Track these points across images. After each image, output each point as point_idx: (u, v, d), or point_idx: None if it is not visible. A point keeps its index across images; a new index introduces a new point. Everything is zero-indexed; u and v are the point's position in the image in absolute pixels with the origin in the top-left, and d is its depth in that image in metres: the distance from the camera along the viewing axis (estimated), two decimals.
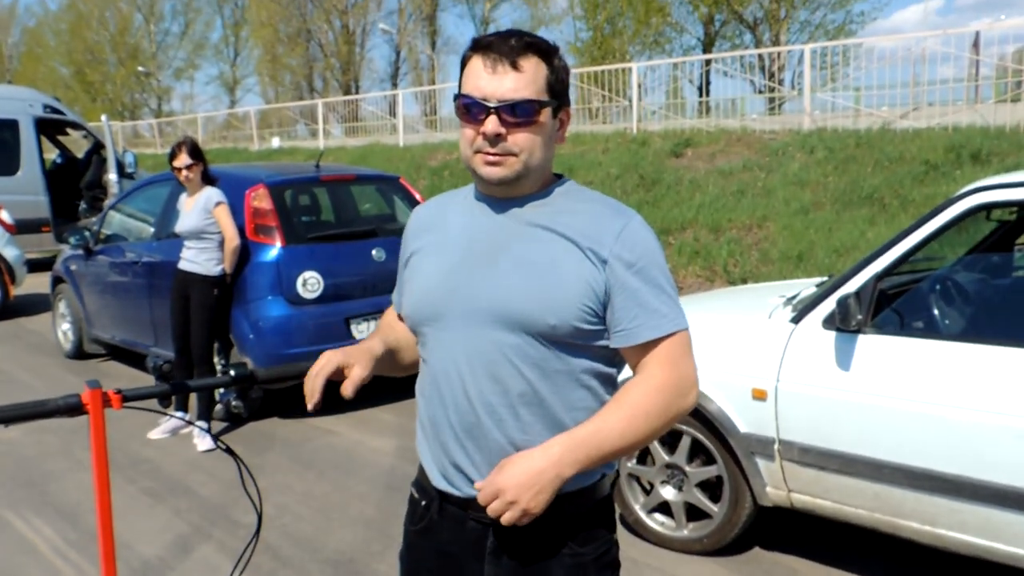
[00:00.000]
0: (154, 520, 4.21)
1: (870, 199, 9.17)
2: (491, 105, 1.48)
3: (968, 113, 11.25)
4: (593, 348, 1.54)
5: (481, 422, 1.53)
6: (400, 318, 1.77)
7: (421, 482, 1.68)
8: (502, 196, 1.58)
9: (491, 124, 1.48)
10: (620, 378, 1.64)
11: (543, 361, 1.52)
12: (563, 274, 1.50)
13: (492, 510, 1.44)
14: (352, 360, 1.60)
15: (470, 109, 1.50)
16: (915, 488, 3.01)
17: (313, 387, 1.58)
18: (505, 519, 1.43)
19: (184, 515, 4.26)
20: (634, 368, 1.57)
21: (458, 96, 1.53)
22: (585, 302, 1.50)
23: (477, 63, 1.51)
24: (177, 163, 5.30)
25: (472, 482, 1.55)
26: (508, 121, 1.48)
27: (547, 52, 1.53)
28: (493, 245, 1.56)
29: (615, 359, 1.60)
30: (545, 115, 1.52)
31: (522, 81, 1.49)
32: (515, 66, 1.49)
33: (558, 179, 1.64)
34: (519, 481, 1.43)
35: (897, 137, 10.56)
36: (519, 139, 1.50)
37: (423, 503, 1.67)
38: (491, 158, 1.51)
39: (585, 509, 1.59)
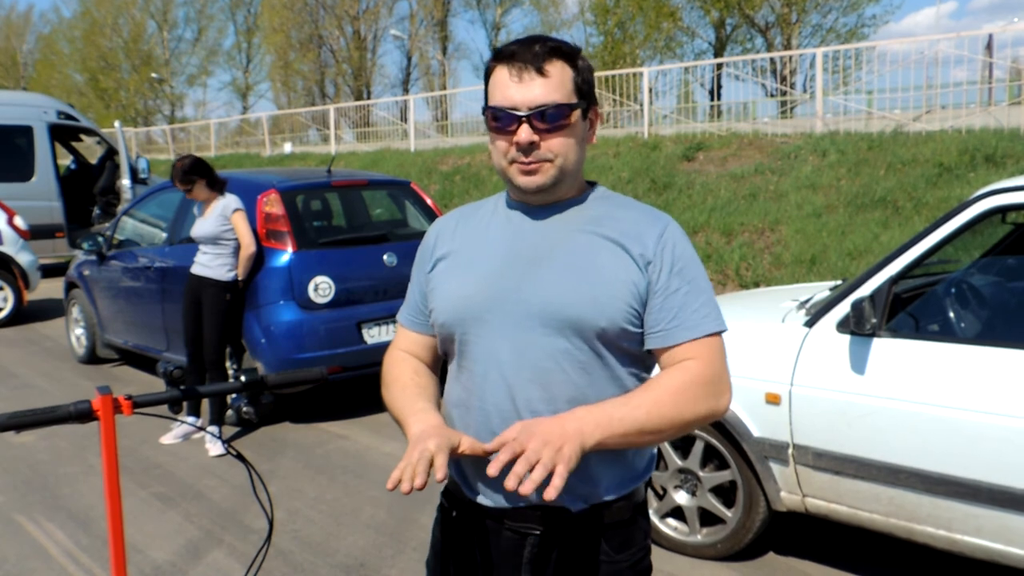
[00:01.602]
0: (165, 525, 4.22)
1: (883, 202, 9.12)
2: (521, 114, 1.47)
3: (982, 116, 11.18)
4: (634, 353, 1.54)
5: None
6: (409, 338, 1.72)
7: (452, 491, 1.65)
8: (539, 203, 1.57)
9: (524, 133, 1.47)
10: None
11: (590, 366, 1.50)
12: (611, 277, 1.49)
13: (519, 468, 1.27)
14: (454, 436, 1.44)
15: (500, 120, 1.49)
16: (930, 492, 2.98)
17: (439, 463, 1.35)
18: (537, 472, 1.27)
19: (195, 520, 4.27)
20: (665, 368, 1.54)
21: (486, 108, 1.52)
22: (632, 303, 1.49)
23: (502, 73, 1.50)
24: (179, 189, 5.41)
25: (510, 495, 1.52)
26: (540, 128, 1.47)
27: (571, 54, 1.52)
28: (538, 250, 1.54)
29: (652, 365, 1.58)
30: (576, 117, 1.51)
31: (550, 86, 1.48)
32: (541, 72, 1.48)
33: (591, 185, 1.64)
34: (544, 429, 1.34)
35: (910, 140, 10.50)
36: (553, 144, 1.49)
37: (453, 512, 1.64)
38: (527, 167, 1.50)
39: (622, 516, 1.57)
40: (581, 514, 1.53)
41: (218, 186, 5.41)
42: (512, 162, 1.51)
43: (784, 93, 17.45)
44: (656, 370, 1.59)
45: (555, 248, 1.53)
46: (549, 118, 1.47)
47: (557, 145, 1.49)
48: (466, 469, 1.60)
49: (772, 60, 26.64)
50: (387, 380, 1.68)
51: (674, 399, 1.44)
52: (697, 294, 1.51)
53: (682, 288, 1.50)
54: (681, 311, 1.49)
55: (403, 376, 1.66)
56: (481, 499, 1.57)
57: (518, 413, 1.50)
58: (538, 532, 1.53)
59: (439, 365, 1.74)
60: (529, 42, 1.51)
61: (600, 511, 1.53)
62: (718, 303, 1.56)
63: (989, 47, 12.24)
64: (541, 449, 1.30)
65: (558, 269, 1.51)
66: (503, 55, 1.51)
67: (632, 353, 1.53)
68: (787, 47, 32.47)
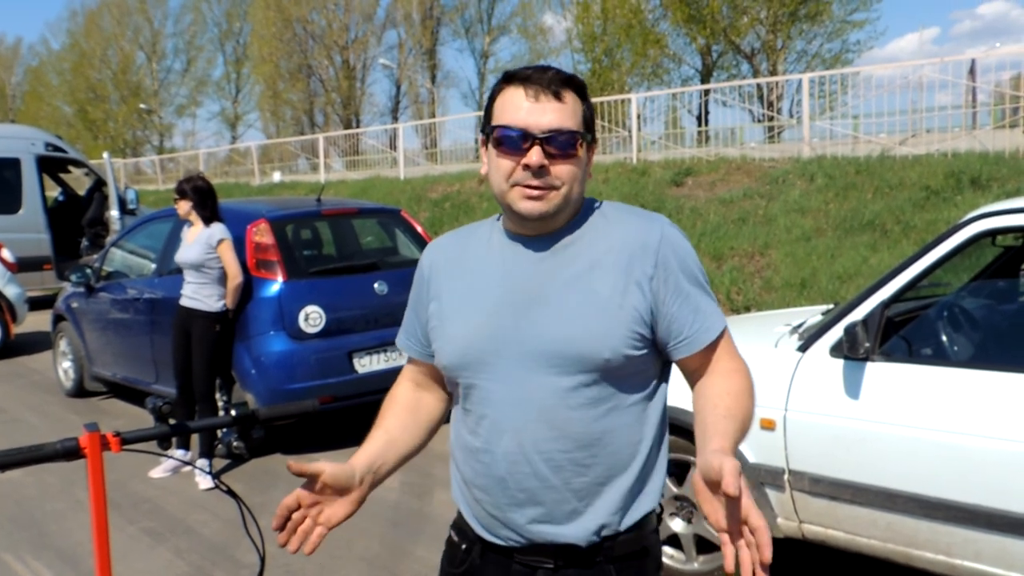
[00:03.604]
0: (155, 561, 4.15)
1: (871, 225, 9.16)
2: (535, 135, 1.44)
3: (967, 139, 11.27)
4: (638, 376, 1.51)
5: (538, 472, 1.47)
6: (412, 361, 1.73)
7: (461, 526, 1.63)
8: (534, 233, 1.53)
9: (535, 155, 1.43)
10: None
11: (598, 400, 1.47)
12: (608, 303, 1.46)
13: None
14: (340, 476, 1.59)
15: (509, 140, 1.46)
16: (929, 517, 2.96)
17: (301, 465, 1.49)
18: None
19: (185, 555, 4.20)
20: (693, 373, 1.55)
21: (493, 128, 1.48)
22: (635, 328, 1.46)
23: (516, 93, 1.47)
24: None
25: (520, 535, 1.50)
26: (551, 153, 1.45)
27: (581, 87, 1.52)
28: (536, 285, 1.51)
29: (659, 384, 1.57)
30: (583, 148, 1.49)
31: (565, 112, 1.46)
32: (558, 97, 1.46)
33: (589, 204, 1.60)
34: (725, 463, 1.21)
35: (897, 164, 10.57)
36: (561, 171, 1.46)
37: (463, 546, 1.61)
38: (532, 192, 1.46)
39: (633, 548, 1.53)
40: (591, 547, 1.50)
41: (203, 214, 5.36)
42: (515, 185, 1.47)
43: (771, 118, 17.58)
44: (676, 397, 1.57)
45: (551, 282, 1.50)
46: (561, 144, 1.45)
47: (565, 172, 1.46)
48: (475, 510, 1.58)
49: (758, 86, 26.86)
50: None
51: (748, 392, 1.51)
52: (704, 293, 1.53)
53: (693, 291, 1.50)
54: (697, 315, 1.50)
55: (382, 409, 1.72)
56: (491, 538, 1.55)
57: (526, 456, 1.48)
58: (549, 566, 1.50)
59: (443, 383, 1.71)
60: (543, 69, 1.49)
61: (611, 543, 1.50)
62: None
63: (972, 72, 12.37)
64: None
65: (556, 305, 1.48)
66: (517, 77, 1.49)
67: (636, 377, 1.51)
68: (773, 73, 32.77)
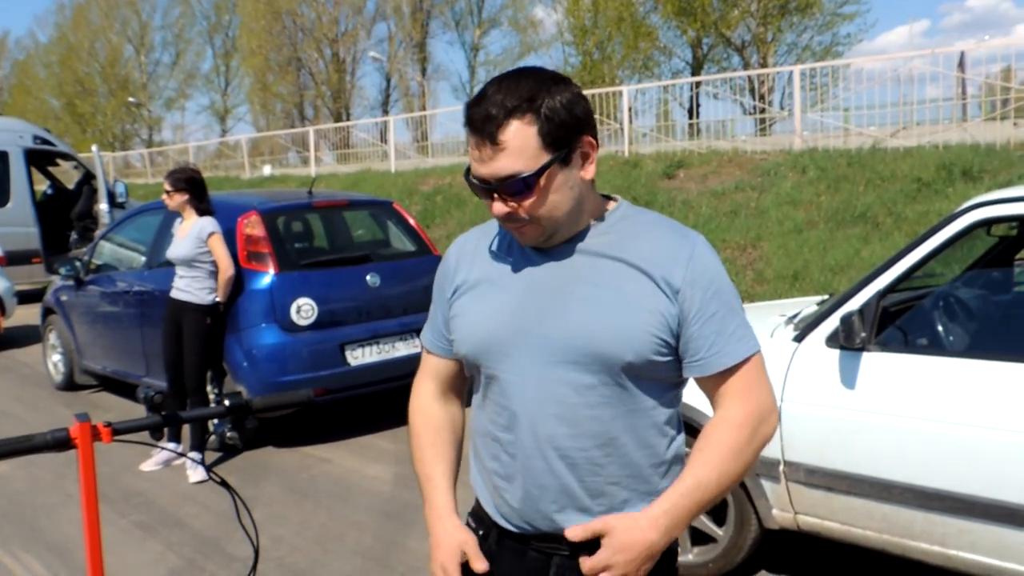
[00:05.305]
0: (146, 554, 4.12)
1: (863, 217, 9.17)
2: (491, 187, 1.43)
3: (957, 131, 11.28)
4: (662, 381, 1.50)
5: (552, 467, 1.47)
6: (434, 361, 1.72)
7: (478, 513, 1.64)
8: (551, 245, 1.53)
9: (497, 207, 1.45)
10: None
11: (616, 399, 1.46)
12: (636, 307, 1.44)
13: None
14: (467, 543, 1.59)
15: (478, 189, 1.47)
16: (924, 508, 2.96)
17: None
18: None
19: (177, 548, 4.18)
20: (710, 396, 1.52)
21: (468, 173, 1.49)
22: (659, 334, 1.44)
23: (469, 139, 1.44)
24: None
25: (534, 526, 1.52)
26: (510, 198, 1.43)
27: (531, 106, 1.39)
28: (560, 280, 1.49)
29: (680, 390, 1.55)
30: (548, 175, 1.42)
31: (510, 157, 1.39)
32: (496, 143, 1.38)
33: (611, 200, 1.57)
34: (633, 556, 1.42)
35: (888, 156, 10.58)
36: (529, 207, 1.43)
37: (480, 532, 1.62)
38: (515, 229, 1.48)
39: None
40: None
41: (199, 207, 5.31)
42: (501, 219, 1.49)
43: (762, 111, 17.57)
44: (690, 395, 1.56)
45: (577, 278, 1.48)
46: (512, 189, 1.41)
47: (533, 206, 1.43)
48: (492, 497, 1.59)
49: (749, 78, 26.87)
50: (411, 430, 1.73)
51: (734, 452, 1.46)
52: (732, 315, 1.48)
53: (719, 311, 1.46)
54: (718, 337, 1.46)
55: (425, 433, 1.69)
56: (506, 524, 1.57)
57: (541, 450, 1.47)
58: (565, 553, 1.51)
59: (466, 386, 1.72)
60: (489, 101, 1.39)
61: None
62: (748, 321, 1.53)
63: (962, 64, 12.38)
64: (626, 572, 1.42)
65: (580, 301, 1.46)
66: (466, 116, 1.43)
67: (659, 382, 1.50)
68: (763, 66, 32.78)
